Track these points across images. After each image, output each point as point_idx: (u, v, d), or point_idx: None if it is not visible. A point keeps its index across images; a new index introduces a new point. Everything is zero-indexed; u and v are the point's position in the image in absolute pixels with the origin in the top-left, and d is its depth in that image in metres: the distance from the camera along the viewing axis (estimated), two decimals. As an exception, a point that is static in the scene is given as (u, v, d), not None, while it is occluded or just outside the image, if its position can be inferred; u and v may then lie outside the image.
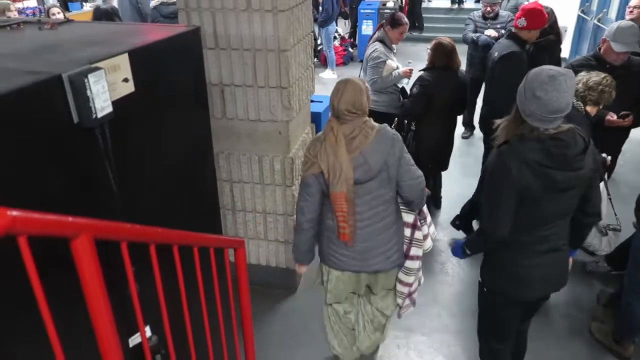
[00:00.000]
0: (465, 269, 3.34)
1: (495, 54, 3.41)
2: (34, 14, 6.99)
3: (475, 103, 5.31)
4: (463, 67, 3.65)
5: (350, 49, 8.97)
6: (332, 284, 2.30)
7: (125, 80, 1.36)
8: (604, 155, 2.61)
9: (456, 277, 3.29)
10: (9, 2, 5.70)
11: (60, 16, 4.79)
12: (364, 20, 8.56)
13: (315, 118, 3.22)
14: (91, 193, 1.29)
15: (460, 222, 3.58)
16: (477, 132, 5.40)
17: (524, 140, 1.75)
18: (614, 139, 3.27)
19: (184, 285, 1.47)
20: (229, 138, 2.75)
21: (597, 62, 3.14)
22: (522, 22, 3.32)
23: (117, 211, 1.32)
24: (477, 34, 4.97)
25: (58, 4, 7.30)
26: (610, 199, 2.81)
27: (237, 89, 2.62)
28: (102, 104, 1.21)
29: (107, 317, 1.01)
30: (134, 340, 1.47)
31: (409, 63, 3.80)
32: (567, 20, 5.23)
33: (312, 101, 3.20)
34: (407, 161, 2.02)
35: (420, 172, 2.07)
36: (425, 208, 2.25)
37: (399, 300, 2.34)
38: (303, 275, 3.18)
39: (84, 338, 1.09)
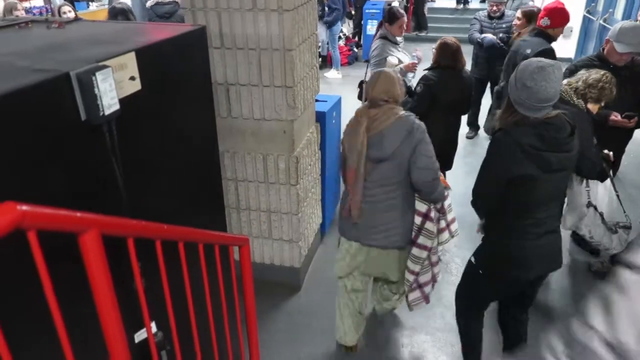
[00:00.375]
0: (469, 269, 3.34)
1: (528, 50, 3.43)
2: (40, 13, 7.03)
3: (480, 103, 5.31)
4: (468, 67, 3.65)
5: (355, 49, 8.98)
6: (341, 254, 2.46)
7: (132, 78, 1.37)
8: (605, 151, 2.61)
9: (460, 277, 3.29)
10: (16, 1, 5.75)
11: (72, 14, 4.83)
12: (369, 20, 8.55)
13: (320, 117, 3.22)
14: (98, 189, 1.30)
15: None
16: (482, 132, 5.40)
17: (518, 126, 1.86)
18: (618, 139, 3.26)
19: (189, 282, 1.48)
20: (234, 137, 2.76)
21: (600, 62, 3.13)
22: (546, 21, 3.36)
23: (123, 208, 1.34)
24: (483, 35, 4.96)
25: (52, 5, 7.34)
26: (618, 196, 2.81)
27: (242, 88, 2.63)
28: (109, 102, 1.22)
29: (114, 311, 1.03)
30: (140, 335, 1.49)
31: (416, 51, 3.82)
32: (572, 21, 5.22)
33: (316, 100, 3.20)
34: (423, 151, 2.13)
35: (435, 166, 2.18)
36: (447, 204, 2.34)
37: (405, 287, 2.44)
38: (307, 274, 3.20)
39: (89, 333, 1.10)
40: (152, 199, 1.56)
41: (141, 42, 1.49)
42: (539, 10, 4.16)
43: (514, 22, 4.36)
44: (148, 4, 4.93)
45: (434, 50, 3.43)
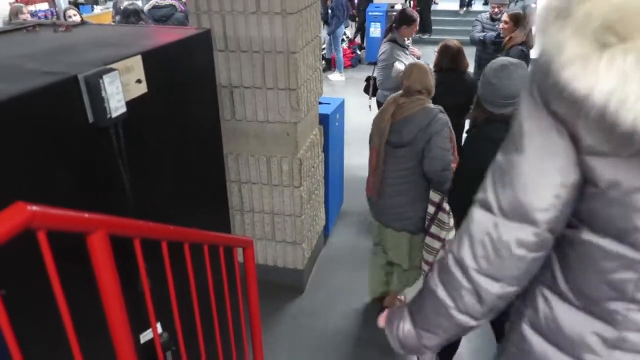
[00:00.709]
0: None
1: None
2: (45, 17, 7.09)
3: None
4: (471, 69, 3.66)
5: (358, 52, 9.00)
6: (373, 225, 2.81)
7: (139, 81, 1.39)
8: None
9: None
10: (21, 4, 5.80)
11: (77, 18, 4.87)
12: (372, 23, 8.57)
13: (323, 119, 3.24)
14: (104, 191, 1.32)
15: None
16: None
17: (490, 122, 1.93)
18: None
19: (194, 284, 1.49)
20: (237, 139, 2.78)
21: None
22: None
23: (130, 209, 1.35)
24: (483, 33, 4.97)
25: (57, 8, 7.40)
26: None
27: (246, 90, 2.65)
28: (116, 104, 1.24)
29: (121, 312, 1.04)
30: (145, 336, 1.50)
31: (412, 51, 3.87)
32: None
33: (320, 103, 3.22)
34: (438, 142, 2.26)
35: (447, 158, 2.29)
36: None
37: (422, 278, 2.60)
38: (311, 276, 3.22)
39: (96, 334, 1.12)
40: (158, 200, 1.58)
41: (147, 45, 1.50)
42: (525, 13, 4.18)
43: (501, 26, 4.27)
44: (145, 8, 4.96)
45: (436, 53, 3.44)
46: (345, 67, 8.16)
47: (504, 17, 4.27)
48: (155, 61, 1.47)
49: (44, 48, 1.53)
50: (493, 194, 0.75)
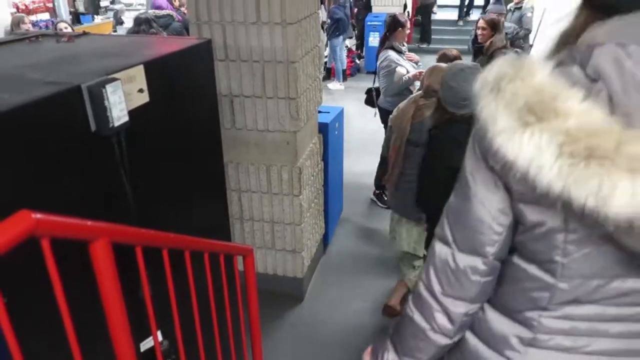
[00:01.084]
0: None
1: None
2: (47, 27, 7.13)
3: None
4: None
5: (357, 61, 9.05)
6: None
7: (141, 90, 1.40)
8: None
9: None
10: (23, 15, 5.84)
11: (69, 30, 4.92)
12: (371, 32, 8.63)
13: (323, 128, 3.26)
14: (107, 199, 1.33)
15: None
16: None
17: (453, 122, 2.06)
18: None
19: (195, 292, 1.49)
20: (237, 148, 2.79)
21: None
22: None
23: (131, 217, 1.36)
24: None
25: (69, 17, 7.45)
26: None
27: (246, 99, 2.67)
28: (118, 114, 1.25)
29: (123, 319, 1.04)
30: (146, 344, 1.50)
31: (419, 65, 3.92)
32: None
33: (319, 112, 3.24)
34: None
35: None
36: None
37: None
38: (310, 284, 3.22)
39: (97, 342, 1.12)
40: (159, 208, 1.59)
41: (149, 55, 1.52)
42: (499, 18, 4.22)
43: (480, 32, 4.23)
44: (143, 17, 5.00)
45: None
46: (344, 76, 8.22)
47: (480, 23, 4.22)
48: (157, 71, 1.49)
49: (47, 58, 1.55)
50: (449, 231, 0.89)
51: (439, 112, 2.19)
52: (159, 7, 5.71)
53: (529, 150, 0.64)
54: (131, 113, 1.32)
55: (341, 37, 7.95)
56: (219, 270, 1.71)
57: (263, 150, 2.77)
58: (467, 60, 3.69)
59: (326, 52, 7.93)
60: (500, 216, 0.82)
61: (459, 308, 0.90)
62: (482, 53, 4.16)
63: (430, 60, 3.76)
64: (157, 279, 1.32)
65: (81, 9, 8.90)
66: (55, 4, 7.65)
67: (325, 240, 3.59)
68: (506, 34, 5.04)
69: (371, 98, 4.24)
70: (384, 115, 4.13)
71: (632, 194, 0.59)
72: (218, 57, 2.57)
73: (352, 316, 2.96)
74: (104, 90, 1.20)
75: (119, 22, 8.98)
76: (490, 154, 0.73)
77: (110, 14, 9.50)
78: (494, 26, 4.12)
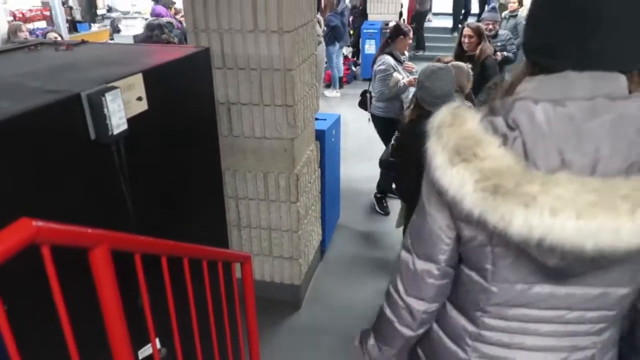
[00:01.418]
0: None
1: None
2: (43, 35, 7.13)
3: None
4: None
5: (353, 68, 9.10)
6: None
7: (139, 99, 1.41)
8: None
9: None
10: (20, 22, 5.85)
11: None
12: (367, 40, 8.69)
13: (320, 135, 3.27)
14: (106, 206, 1.34)
15: None
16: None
17: (424, 118, 2.22)
18: None
19: (193, 299, 1.50)
20: (235, 155, 2.80)
21: None
22: None
23: (130, 224, 1.36)
24: None
25: (65, 25, 7.47)
26: None
27: (243, 107, 2.68)
28: (117, 122, 1.26)
29: (122, 327, 1.05)
30: (144, 352, 1.50)
31: (414, 72, 3.96)
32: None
33: (316, 119, 3.26)
34: None
35: None
36: None
37: None
38: (308, 291, 3.21)
39: (95, 349, 1.12)
40: (157, 215, 1.59)
41: (148, 63, 1.53)
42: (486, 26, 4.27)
43: (466, 41, 4.15)
44: (144, 25, 5.03)
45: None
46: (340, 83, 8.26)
47: (466, 31, 4.17)
48: (156, 79, 1.50)
49: (46, 66, 1.56)
50: (410, 242, 1.05)
51: (416, 109, 2.45)
52: (159, 15, 5.75)
53: (456, 183, 0.81)
54: (130, 121, 1.33)
55: (337, 45, 8.00)
56: (217, 277, 1.71)
57: (260, 157, 2.78)
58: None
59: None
60: (447, 230, 0.97)
61: (419, 306, 1.06)
62: (473, 62, 4.18)
63: (426, 68, 3.78)
64: (155, 286, 1.33)
65: (78, 17, 8.91)
66: (52, 12, 7.67)
67: (322, 247, 3.60)
68: (500, 40, 5.08)
69: (365, 100, 4.25)
70: (375, 121, 4.14)
71: (524, 222, 0.75)
72: (215, 65, 2.58)
73: (350, 322, 2.95)
74: (103, 99, 1.21)
75: (115, 30, 9.01)
76: (435, 181, 0.87)
77: (107, 22, 9.52)
78: (480, 34, 4.11)
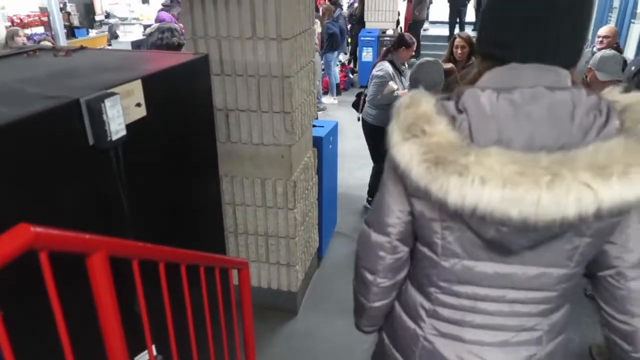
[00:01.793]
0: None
1: (632, 67, 3.53)
2: (37, 43, 7.13)
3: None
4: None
5: (350, 75, 9.13)
6: None
7: (138, 105, 1.42)
8: None
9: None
10: (18, 28, 5.85)
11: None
12: (364, 48, 8.73)
13: (317, 142, 3.28)
14: (104, 212, 1.33)
15: None
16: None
17: None
18: None
19: (190, 305, 1.49)
20: (232, 161, 2.80)
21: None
22: None
23: (128, 230, 1.36)
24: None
25: (63, 31, 7.46)
26: None
27: (241, 113, 2.68)
28: (116, 128, 1.26)
29: (119, 333, 1.04)
30: (140, 359, 1.49)
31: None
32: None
33: (314, 126, 3.27)
34: None
35: None
36: None
37: None
38: (304, 298, 3.20)
39: (92, 354, 1.11)
40: (155, 221, 1.59)
41: (147, 69, 1.54)
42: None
43: (459, 51, 4.08)
44: (147, 31, 5.05)
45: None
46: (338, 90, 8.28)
47: (458, 41, 4.11)
48: (155, 85, 1.50)
49: (46, 72, 1.56)
50: (369, 216, 1.13)
51: None
52: (162, 21, 5.78)
53: (406, 157, 0.88)
54: (129, 127, 1.33)
55: (335, 52, 8.03)
56: (214, 283, 1.71)
57: (258, 163, 2.78)
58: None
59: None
60: (400, 205, 1.03)
61: (371, 278, 1.13)
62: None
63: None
64: (152, 293, 1.32)
65: (76, 22, 8.92)
66: (50, 18, 7.67)
67: (319, 253, 3.59)
68: None
69: (358, 102, 4.28)
70: (364, 127, 4.14)
71: (458, 191, 0.82)
72: (214, 72, 2.59)
73: (347, 329, 2.95)
74: (102, 105, 1.21)
75: (113, 36, 9.02)
76: (392, 158, 0.94)
77: (105, 28, 9.53)
78: (471, 44, 4.10)
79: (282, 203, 2.83)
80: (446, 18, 11.19)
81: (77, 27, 8.83)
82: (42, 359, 1.11)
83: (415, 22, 10.05)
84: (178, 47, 3.90)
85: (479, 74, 0.98)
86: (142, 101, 1.43)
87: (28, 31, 7.33)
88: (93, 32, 9.23)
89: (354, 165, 5.14)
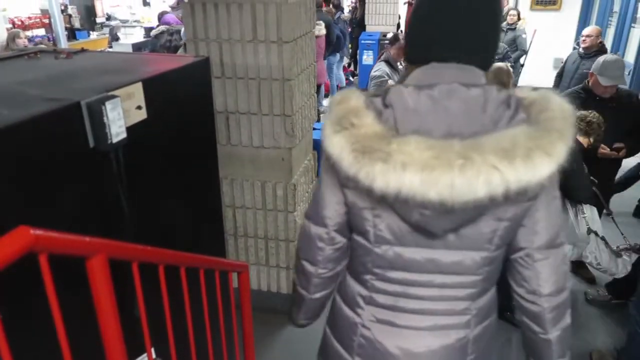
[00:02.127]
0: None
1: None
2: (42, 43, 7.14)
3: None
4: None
5: (351, 78, 9.14)
6: None
7: (139, 107, 1.42)
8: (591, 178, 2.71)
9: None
10: (19, 30, 5.86)
11: None
12: (365, 51, 8.74)
13: (317, 145, 3.28)
14: (104, 214, 1.33)
15: None
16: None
17: None
18: (607, 170, 3.32)
19: (189, 308, 1.49)
20: (232, 164, 2.80)
21: (586, 94, 3.21)
22: None
23: (128, 232, 1.36)
24: None
25: (64, 33, 7.48)
26: (613, 218, 2.85)
27: (241, 116, 2.68)
28: (117, 130, 1.26)
29: (118, 336, 1.04)
30: (139, 362, 1.48)
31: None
32: (564, 53, 5.43)
33: (314, 129, 3.27)
34: None
35: None
36: None
37: None
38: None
39: (91, 357, 1.11)
40: (155, 223, 1.59)
41: (148, 72, 1.54)
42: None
43: None
44: (152, 33, 5.06)
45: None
46: (338, 94, 8.28)
47: None
48: (155, 88, 1.50)
49: (46, 74, 1.56)
50: (308, 209, 1.17)
51: None
52: (167, 23, 5.81)
53: (337, 148, 0.93)
54: (129, 129, 1.33)
55: (338, 55, 8.04)
56: (214, 286, 1.70)
57: (258, 166, 2.78)
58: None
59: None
60: (335, 196, 1.08)
61: (311, 269, 1.18)
62: None
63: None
64: (151, 295, 1.32)
65: (77, 25, 8.93)
66: (52, 20, 7.68)
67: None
68: (498, 53, 5.13)
69: None
70: None
71: (383, 176, 0.88)
72: (214, 74, 2.59)
73: (346, 333, 2.93)
74: (103, 107, 1.21)
75: (114, 38, 9.03)
76: (325, 150, 0.98)
77: (106, 30, 9.55)
78: None
79: (282, 206, 2.83)
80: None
81: (78, 30, 8.84)
82: (41, 361, 1.10)
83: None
84: (185, 49, 3.95)
85: (407, 74, 1.07)
86: (143, 104, 1.43)
87: (29, 33, 7.34)
88: (94, 35, 9.25)
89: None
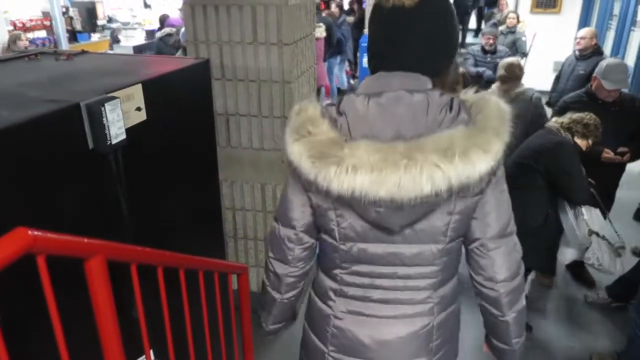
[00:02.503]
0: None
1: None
2: (43, 44, 7.17)
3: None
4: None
5: (351, 81, 9.15)
6: None
7: (138, 109, 1.42)
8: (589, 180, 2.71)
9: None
10: (20, 32, 5.88)
11: None
12: (364, 53, 8.73)
13: (317, 147, 3.28)
14: (103, 216, 1.33)
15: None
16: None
17: None
18: (611, 175, 3.31)
19: (188, 310, 1.49)
20: (232, 166, 2.80)
21: (589, 98, 3.20)
22: None
23: (127, 234, 1.36)
24: (482, 68, 5.08)
25: (66, 35, 7.51)
26: (609, 220, 2.85)
27: (241, 118, 2.69)
28: (116, 131, 1.26)
29: (116, 338, 1.04)
30: (138, 364, 1.48)
31: None
32: (563, 56, 5.41)
33: (314, 131, 3.27)
34: None
35: None
36: None
37: None
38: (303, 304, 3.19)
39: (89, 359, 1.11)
40: (154, 225, 1.59)
41: (147, 74, 1.54)
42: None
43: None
44: (158, 35, 5.07)
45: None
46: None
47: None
48: (155, 90, 1.51)
49: (47, 76, 1.57)
50: (277, 212, 1.22)
51: None
52: (172, 26, 5.85)
53: (296, 155, 1.00)
54: (128, 131, 1.33)
55: (339, 58, 8.05)
56: (213, 288, 1.70)
57: (258, 168, 2.78)
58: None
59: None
60: (301, 199, 1.14)
61: (281, 269, 1.23)
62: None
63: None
64: (150, 297, 1.32)
65: (78, 27, 8.95)
66: (53, 22, 7.70)
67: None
68: (499, 57, 5.13)
69: None
70: None
71: (337, 179, 0.95)
72: (214, 76, 2.59)
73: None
74: (102, 109, 1.21)
75: (115, 40, 9.05)
76: (287, 158, 1.04)
77: (107, 32, 9.57)
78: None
79: (282, 208, 2.82)
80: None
81: (79, 32, 8.87)
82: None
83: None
84: (186, 51, 3.98)
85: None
86: (143, 105, 1.43)
87: (30, 35, 7.35)
88: (95, 37, 9.27)
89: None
